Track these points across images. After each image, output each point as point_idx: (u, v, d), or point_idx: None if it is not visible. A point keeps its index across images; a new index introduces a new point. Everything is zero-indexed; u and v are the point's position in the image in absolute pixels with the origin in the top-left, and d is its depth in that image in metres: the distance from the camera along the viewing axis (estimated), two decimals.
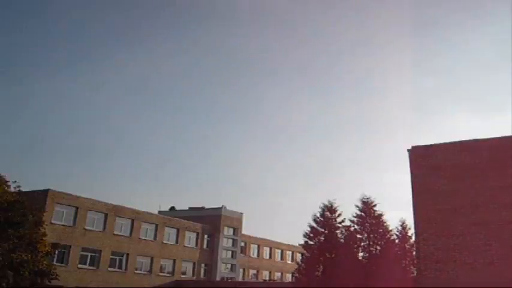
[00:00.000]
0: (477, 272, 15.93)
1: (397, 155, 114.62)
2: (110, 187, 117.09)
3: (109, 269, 42.72)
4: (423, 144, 18.40)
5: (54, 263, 31.22)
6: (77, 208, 40.48)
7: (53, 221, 37.47)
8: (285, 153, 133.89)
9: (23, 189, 23.72)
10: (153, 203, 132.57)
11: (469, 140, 17.78)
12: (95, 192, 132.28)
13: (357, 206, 27.27)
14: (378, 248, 26.55)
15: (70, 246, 39.20)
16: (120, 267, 44.08)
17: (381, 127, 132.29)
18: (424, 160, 18.02)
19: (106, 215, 43.12)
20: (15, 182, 22.86)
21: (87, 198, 41.71)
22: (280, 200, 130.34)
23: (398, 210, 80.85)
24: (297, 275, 24.48)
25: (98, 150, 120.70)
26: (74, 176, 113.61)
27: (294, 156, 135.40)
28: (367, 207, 27.21)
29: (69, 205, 39.95)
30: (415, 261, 20.43)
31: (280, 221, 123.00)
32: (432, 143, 18.39)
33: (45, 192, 38.12)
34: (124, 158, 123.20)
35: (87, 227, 41.05)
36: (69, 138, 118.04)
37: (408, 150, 18.45)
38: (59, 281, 24.37)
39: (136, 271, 45.52)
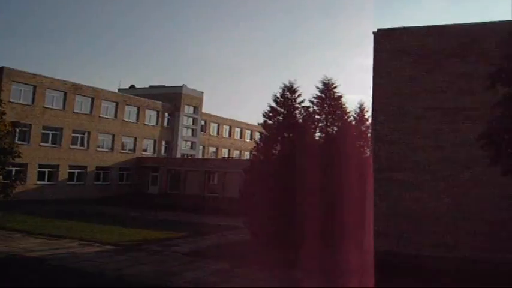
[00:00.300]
0: (427, 154, 16.90)
1: (363, 40, 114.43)
2: (69, 66, 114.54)
3: (71, 146, 43.14)
4: (389, 28, 18.44)
5: (16, 141, 31.32)
6: (35, 87, 39.76)
7: (11, 100, 36.95)
8: (248, 33, 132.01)
9: None
10: (112, 81, 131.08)
11: (436, 25, 17.85)
12: (53, 71, 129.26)
13: (317, 87, 27.50)
14: (335, 128, 27.20)
15: (31, 125, 39.08)
16: (82, 144, 44.55)
17: (348, 8, 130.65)
18: (389, 43, 18.14)
19: (65, 94, 42.64)
20: None
21: (45, 77, 40.85)
22: (241, 80, 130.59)
23: (358, 94, 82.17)
24: (255, 152, 25.12)
25: (55, 27, 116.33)
26: (30, 55, 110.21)
27: (257, 36, 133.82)
28: (327, 89, 27.43)
29: (26, 83, 39.16)
30: (369, 143, 21.27)
31: (240, 101, 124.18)
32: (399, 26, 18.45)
33: (1, 69, 37.13)
34: (82, 35, 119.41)
35: (46, 106, 40.70)
36: (26, 15, 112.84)
37: (373, 32, 18.51)
38: (22, 159, 24.60)
39: (98, 148, 46.15)
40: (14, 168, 29.66)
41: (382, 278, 15.55)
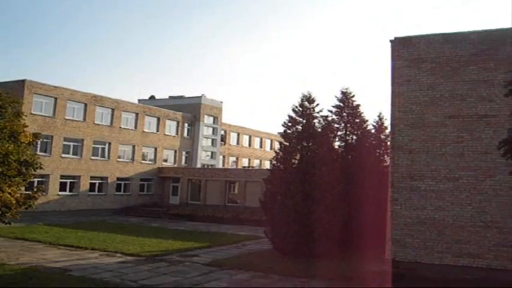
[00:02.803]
0: (447, 162, 16.74)
1: (380, 49, 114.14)
2: (88, 78, 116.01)
3: (92, 157, 43.46)
4: (406, 36, 18.40)
5: (38, 152, 31.74)
6: (56, 98, 40.23)
7: (33, 112, 37.51)
8: (265, 43, 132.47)
9: None
10: (132, 92, 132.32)
11: (453, 33, 17.77)
12: (73, 83, 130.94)
13: (336, 97, 27.56)
14: (354, 137, 27.21)
15: (52, 136, 39.53)
16: (103, 155, 44.85)
17: (366, 17, 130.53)
18: (406, 51, 18.09)
19: (86, 105, 43.04)
20: None
21: (65, 88, 41.29)
22: (260, 90, 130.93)
23: (377, 103, 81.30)
24: (274, 162, 25.13)
25: (74, 40, 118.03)
26: (50, 68, 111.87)
27: (274, 45, 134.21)
28: (345, 98, 27.50)
29: (47, 95, 39.61)
30: (388, 151, 21.13)
31: (260, 110, 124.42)
32: (415, 34, 18.37)
33: (22, 82, 37.62)
34: (100, 47, 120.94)
35: (67, 117, 41.10)
36: (44, 28, 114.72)
37: (391, 40, 18.48)
38: (43, 170, 24.86)
39: (119, 159, 46.43)
40: (36, 180, 29.95)
41: None
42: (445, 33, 17.87)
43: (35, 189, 22.77)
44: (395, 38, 18.35)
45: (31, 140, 22.53)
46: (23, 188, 22.13)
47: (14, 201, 20.43)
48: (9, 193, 20.47)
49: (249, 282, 16.59)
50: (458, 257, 16.37)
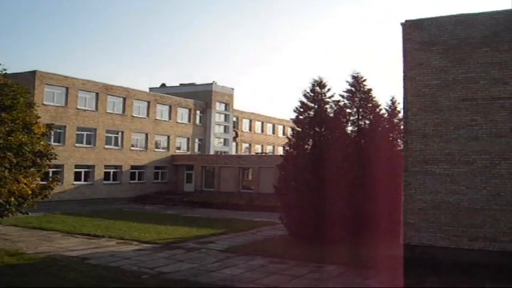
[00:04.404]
0: (461, 146, 16.61)
1: (390, 32, 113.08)
2: (99, 67, 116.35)
3: (105, 146, 43.79)
4: (417, 18, 18.17)
5: (52, 143, 32.00)
6: (67, 88, 40.46)
7: (45, 102, 37.77)
8: (275, 28, 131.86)
9: (9, 71, 22.82)
10: (143, 81, 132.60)
11: (465, 14, 17.46)
12: (83, 74, 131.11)
13: (347, 81, 27.40)
14: (367, 122, 27.08)
15: (65, 126, 39.84)
16: (116, 144, 45.15)
17: (375, 2, 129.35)
18: (418, 34, 17.84)
19: (97, 94, 43.27)
20: (0, 64, 22.04)
21: (76, 78, 41.47)
22: (271, 75, 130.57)
23: (389, 87, 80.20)
24: (287, 148, 25.16)
25: (81, 30, 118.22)
26: (60, 58, 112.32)
27: (284, 30, 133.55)
28: (356, 82, 27.33)
29: (59, 85, 39.87)
30: (402, 135, 21.03)
31: (271, 95, 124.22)
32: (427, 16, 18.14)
33: (33, 73, 37.88)
34: (108, 35, 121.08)
35: (79, 107, 41.38)
36: (53, 18, 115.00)
37: (402, 24, 18.28)
38: (58, 160, 25.09)
39: (132, 148, 46.71)
40: (50, 170, 30.16)
41: (420, 272, 15.49)
42: (457, 14, 17.59)
43: (50, 179, 23.04)
44: (406, 21, 18.12)
45: (44, 131, 22.73)
46: (38, 179, 22.39)
47: (30, 192, 20.70)
48: (25, 184, 20.74)
49: (265, 268, 16.72)
50: (474, 240, 16.30)
